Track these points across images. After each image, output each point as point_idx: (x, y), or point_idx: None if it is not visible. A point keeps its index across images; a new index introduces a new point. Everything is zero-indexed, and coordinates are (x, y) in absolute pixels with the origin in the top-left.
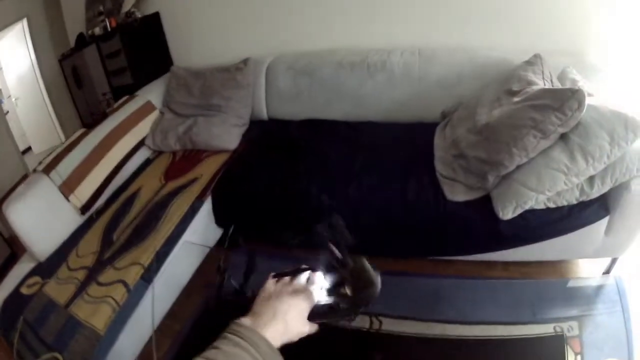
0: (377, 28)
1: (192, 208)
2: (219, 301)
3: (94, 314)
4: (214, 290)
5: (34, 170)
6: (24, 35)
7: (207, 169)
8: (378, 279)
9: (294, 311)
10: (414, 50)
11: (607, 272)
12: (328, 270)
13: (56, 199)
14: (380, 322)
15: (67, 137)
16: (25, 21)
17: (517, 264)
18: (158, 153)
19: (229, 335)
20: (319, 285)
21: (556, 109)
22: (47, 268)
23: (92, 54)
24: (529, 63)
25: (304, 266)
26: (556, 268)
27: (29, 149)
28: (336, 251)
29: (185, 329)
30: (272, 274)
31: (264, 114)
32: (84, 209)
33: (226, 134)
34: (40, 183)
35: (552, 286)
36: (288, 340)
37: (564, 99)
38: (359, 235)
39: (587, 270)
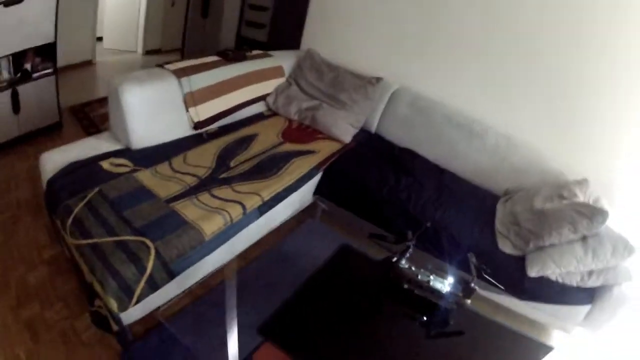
0: (489, 103)
1: (310, 172)
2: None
3: (205, 220)
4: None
5: (160, 66)
6: None
7: (323, 148)
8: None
9: None
10: (506, 135)
11: None
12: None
13: (176, 102)
14: None
15: (144, 50)
16: None
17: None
18: (272, 113)
19: None
20: None
21: (589, 217)
22: (140, 157)
23: None
24: (578, 182)
25: None
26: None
27: (99, 39)
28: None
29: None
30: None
31: (373, 127)
32: (198, 125)
33: (345, 128)
34: (167, 81)
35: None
36: None
37: (595, 213)
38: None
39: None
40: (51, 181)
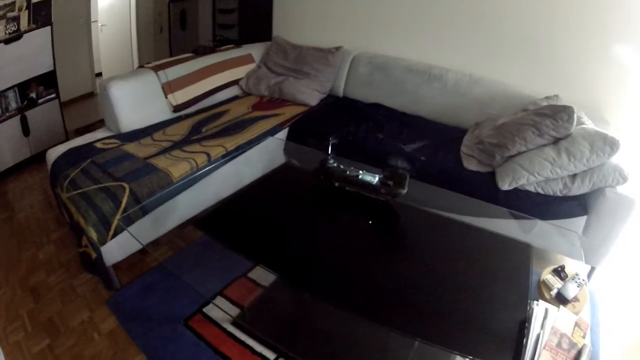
0: (444, 51)
1: (273, 129)
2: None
3: (173, 166)
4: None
5: (141, 66)
6: None
7: (288, 111)
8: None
9: None
10: (466, 73)
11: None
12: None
13: (156, 92)
14: None
15: (139, 66)
16: None
17: None
18: (246, 94)
19: None
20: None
21: (551, 116)
22: (127, 137)
23: (206, 4)
24: (547, 98)
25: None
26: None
27: (99, 74)
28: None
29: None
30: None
31: (340, 92)
32: (177, 108)
33: (309, 93)
34: (146, 75)
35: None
36: None
37: (558, 110)
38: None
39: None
40: (54, 164)
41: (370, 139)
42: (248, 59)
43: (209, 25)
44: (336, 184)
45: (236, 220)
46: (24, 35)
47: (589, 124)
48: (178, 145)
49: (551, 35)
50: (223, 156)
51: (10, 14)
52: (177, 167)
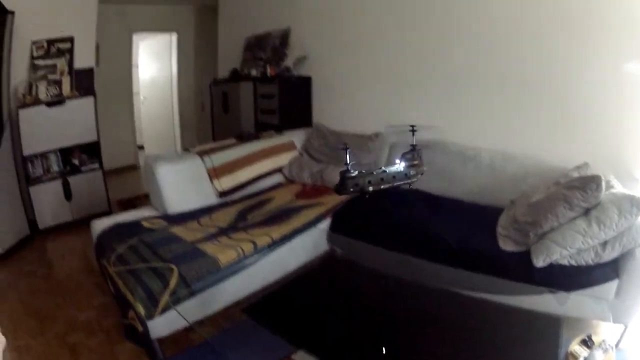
0: (476, 131)
1: (317, 218)
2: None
3: (221, 252)
4: None
5: (186, 150)
6: (170, 46)
7: (331, 199)
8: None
9: None
10: (499, 151)
11: (617, 343)
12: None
13: (201, 176)
14: None
15: (183, 149)
16: (174, 35)
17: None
18: (289, 182)
19: None
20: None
21: (580, 188)
22: (173, 219)
23: (247, 88)
24: (577, 167)
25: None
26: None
27: (140, 147)
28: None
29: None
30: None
31: None
32: (222, 194)
33: None
34: (192, 159)
35: None
36: None
37: (586, 181)
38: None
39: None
40: (100, 236)
41: (411, 223)
42: (290, 145)
43: (250, 109)
44: (370, 188)
45: (283, 307)
46: (67, 101)
47: (618, 187)
48: (225, 231)
49: (576, 95)
50: (269, 245)
51: (51, 77)
52: (224, 254)
